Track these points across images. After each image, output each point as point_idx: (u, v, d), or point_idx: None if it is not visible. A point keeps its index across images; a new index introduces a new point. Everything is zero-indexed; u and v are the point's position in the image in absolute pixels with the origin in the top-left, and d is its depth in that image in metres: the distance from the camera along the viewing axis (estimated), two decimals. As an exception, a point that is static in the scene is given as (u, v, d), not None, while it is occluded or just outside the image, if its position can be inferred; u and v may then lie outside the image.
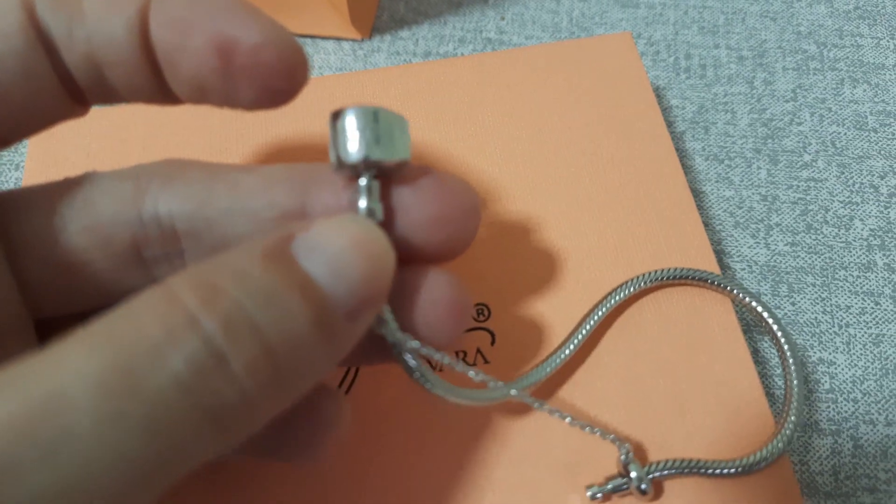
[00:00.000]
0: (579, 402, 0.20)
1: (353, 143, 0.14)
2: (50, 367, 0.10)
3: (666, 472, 0.18)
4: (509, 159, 0.24)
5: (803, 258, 0.26)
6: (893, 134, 0.29)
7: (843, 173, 0.28)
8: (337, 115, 0.14)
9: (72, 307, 0.17)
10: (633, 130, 0.24)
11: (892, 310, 0.25)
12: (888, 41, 0.31)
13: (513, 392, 0.17)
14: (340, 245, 0.13)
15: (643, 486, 0.18)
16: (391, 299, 0.15)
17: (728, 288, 0.21)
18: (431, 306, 0.16)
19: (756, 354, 0.24)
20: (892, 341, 0.24)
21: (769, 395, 0.23)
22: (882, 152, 0.28)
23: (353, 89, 0.26)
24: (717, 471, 0.18)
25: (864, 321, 0.25)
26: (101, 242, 0.16)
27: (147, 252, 0.16)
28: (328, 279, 0.13)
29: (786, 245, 0.26)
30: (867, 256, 0.26)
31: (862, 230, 0.26)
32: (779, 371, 0.24)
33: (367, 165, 0.14)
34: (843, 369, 0.24)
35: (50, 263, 0.16)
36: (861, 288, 0.25)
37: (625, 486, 0.18)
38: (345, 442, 0.17)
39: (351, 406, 0.17)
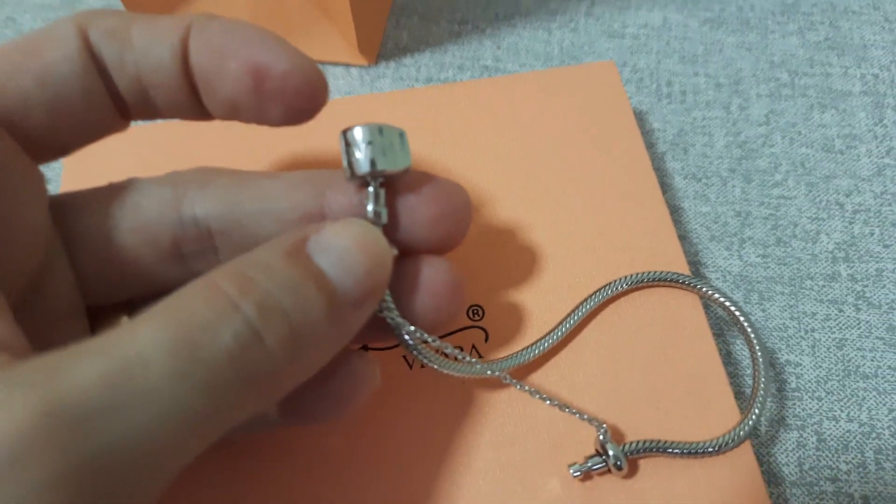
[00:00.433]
0: (561, 389, 0.22)
1: (362, 157, 0.17)
2: (130, 338, 0.12)
3: (640, 451, 0.20)
4: (502, 174, 0.26)
5: (773, 269, 0.28)
6: (858, 156, 0.31)
7: (811, 192, 0.30)
8: (347, 132, 0.17)
9: (118, 296, 0.19)
10: (615, 150, 0.27)
11: (854, 317, 0.27)
12: (855, 70, 0.34)
13: (489, 372, 0.20)
14: (346, 245, 0.16)
15: (619, 464, 0.20)
16: (398, 284, 0.18)
17: (700, 287, 0.23)
18: (432, 287, 0.18)
19: (729, 356, 0.26)
20: (854, 345, 0.26)
21: (739, 393, 0.25)
22: (847, 172, 0.30)
23: (361, 111, 0.28)
24: (687, 451, 0.20)
25: (829, 327, 0.27)
26: (146, 241, 0.18)
27: (185, 248, 0.19)
28: (337, 274, 0.15)
29: (757, 257, 0.28)
30: (832, 268, 0.28)
31: (827, 244, 0.29)
32: (749, 371, 0.26)
33: (374, 175, 0.17)
34: (808, 370, 0.26)
35: (102, 258, 0.18)
36: (826, 296, 0.27)
37: (603, 464, 0.20)
38: (363, 408, 0.19)
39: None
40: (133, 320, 0.13)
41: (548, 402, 0.20)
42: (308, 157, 0.27)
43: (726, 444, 0.21)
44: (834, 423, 0.25)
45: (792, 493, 0.23)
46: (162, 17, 0.18)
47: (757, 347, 0.22)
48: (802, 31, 0.35)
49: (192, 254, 0.19)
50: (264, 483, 0.20)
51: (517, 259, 0.24)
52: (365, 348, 0.22)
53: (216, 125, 0.23)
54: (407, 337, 0.18)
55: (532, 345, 0.22)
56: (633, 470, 0.21)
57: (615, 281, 0.23)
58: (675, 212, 0.30)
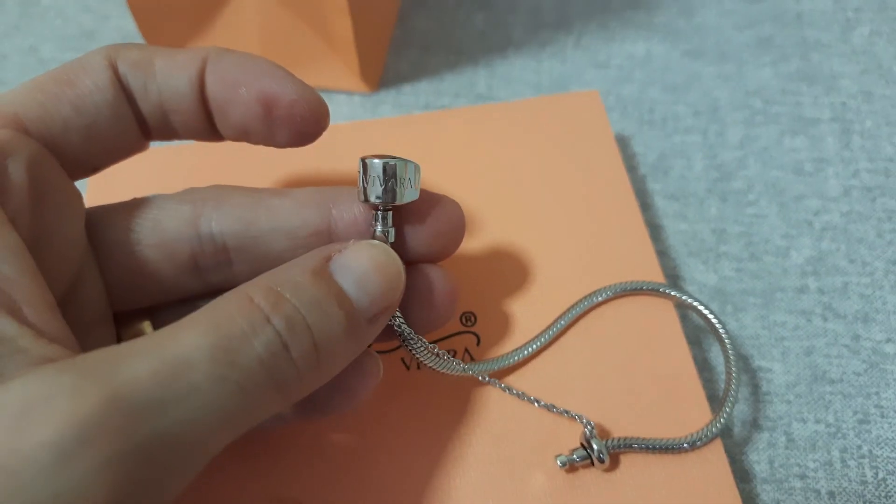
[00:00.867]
0: (546, 390, 0.23)
1: (375, 188, 0.19)
2: (175, 342, 0.14)
3: (621, 446, 0.22)
4: (494, 193, 0.28)
5: (747, 282, 0.30)
6: (826, 178, 0.33)
7: (783, 211, 0.32)
8: (366, 161, 0.19)
9: (141, 303, 0.21)
10: (597, 172, 0.29)
11: (821, 326, 0.29)
12: (824, 98, 0.36)
13: (471, 372, 0.22)
14: (365, 267, 0.18)
15: (602, 457, 0.21)
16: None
17: (678, 295, 0.25)
18: (430, 293, 0.20)
19: (705, 362, 0.28)
20: (821, 352, 0.28)
21: (713, 397, 0.27)
22: (816, 194, 0.33)
23: (362, 135, 0.30)
24: (663, 447, 0.22)
25: (798, 335, 0.29)
26: (167, 255, 0.20)
27: (202, 262, 0.20)
28: (356, 292, 0.17)
29: (732, 271, 0.30)
30: (801, 281, 0.30)
31: (797, 259, 0.31)
32: (723, 377, 0.27)
33: (384, 203, 0.19)
34: (778, 375, 0.28)
35: (127, 269, 0.20)
36: (795, 307, 0.29)
37: (587, 457, 0.22)
38: (362, 406, 0.21)
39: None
40: (177, 325, 0.15)
41: (535, 403, 0.22)
42: (312, 176, 0.29)
43: (699, 440, 0.22)
44: (802, 424, 0.27)
45: (763, 489, 0.25)
46: (181, 50, 0.20)
47: (728, 345, 0.24)
48: (775, 63, 0.38)
49: (208, 267, 0.20)
50: (273, 474, 0.22)
51: (507, 271, 0.26)
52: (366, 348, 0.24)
53: (227, 146, 0.25)
54: (411, 341, 0.20)
55: (519, 348, 0.24)
56: (613, 464, 0.22)
57: (598, 290, 0.25)
58: (656, 229, 0.32)
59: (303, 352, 0.16)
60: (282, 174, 0.29)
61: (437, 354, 0.21)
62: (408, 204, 0.20)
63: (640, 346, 0.25)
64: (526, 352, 0.24)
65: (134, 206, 0.20)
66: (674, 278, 0.30)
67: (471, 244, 0.27)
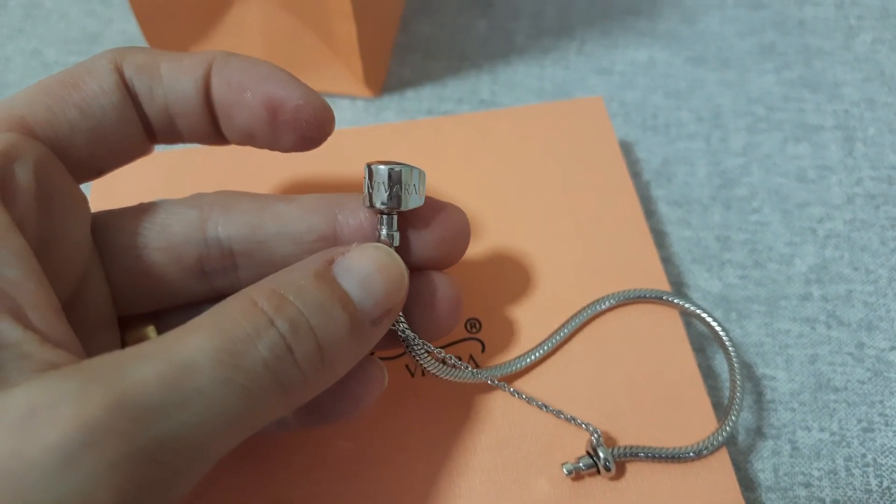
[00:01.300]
0: (551, 396, 0.23)
1: (381, 193, 0.19)
2: (181, 345, 0.14)
3: (627, 455, 0.22)
4: (497, 199, 0.28)
5: (751, 289, 0.30)
6: (829, 185, 0.33)
7: (786, 218, 0.32)
8: (372, 167, 0.19)
9: (146, 307, 0.21)
10: (602, 178, 0.29)
11: (825, 334, 0.29)
12: (827, 106, 0.36)
13: (488, 381, 0.22)
14: (368, 269, 0.18)
15: (608, 465, 0.21)
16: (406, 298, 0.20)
17: (682, 303, 0.25)
18: (435, 300, 0.20)
19: (709, 370, 0.28)
20: (825, 360, 0.28)
21: (718, 405, 0.27)
22: (819, 201, 0.33)
23: (366, 140, 0.30)
24: (668, 456, 0.22)
25: (802, 343, 0.29)
26: (173, 259, 0.20)
27: (208, 267, 0.20)
28: (359, 295, 0.17)
29: (736, 278, 0.30)
30: (805, 289, 0.30)
31: (801, 266, 0.31)
32: (728, 384, 0.27)
33: (390, 209, 0.19)
34: (783, 383, 0.28)
35: (133, 273, 0.20)
36: (799, 315, 0.29)
37: (593, 465, 0.22)
38: (367, 413, 0.21)
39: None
40: (182, 329, 0.15)
41: (544, 408, 0.22)
42: (316, 180, 0.29)
43: (705, 448, 0.22)
44: (807, 432, 0.26)
45: (768, 498, 0.25)
46: (187, 54, 0.20)
47: (733, 355, 0.24)
48: (778, 70, 0.38)
49: (214, 271, 0.20)
50: (276, 479, 0.22)
51: (512, 277, 0.26)
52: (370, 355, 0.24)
53: (232, 150, 0.25)
54: (415, 346, 0.20)
55: (523, 355, 0.24)
56: (619, 472, 0.22)
57: (603, 297, 0.25)
58: (660, 236, 0.32)
59: (307, 354, 0.16)
60: (286, 178, 0.29)
61: (444, 360, 0.21)
62: (413, 210, 0.20)
63: (645, 353, 0.24)
64: (530, 358, 0.23)
65: (141, 211, 0.20)
66: (678, 285, 0.30)
67: (475, 250, 0.27)
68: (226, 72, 0.20)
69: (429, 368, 0.21)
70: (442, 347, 0.24)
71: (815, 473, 0.26)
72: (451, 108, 0.36)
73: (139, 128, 0.20)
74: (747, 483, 0.25)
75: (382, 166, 0.18)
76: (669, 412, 0.23)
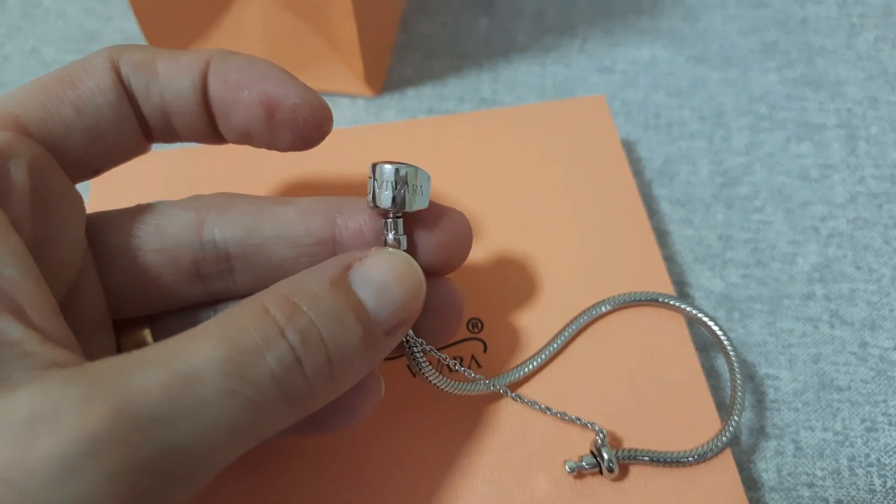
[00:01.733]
0: (554, 399, 0.23)
1: (387, 193, 0.18)
2: (186, 353, 0.14)
3: (631, 457, 0.22)
4: (499, 199, 0.28)
5: (754, 288, 0.30)
6: (832, 184, 0.33)
7: (789, 217, 0.32)
8: (377, 166, 0.19)
9: (140, 311, 0.21)
10: (604, 178, 0.29)
11: (828, 333, 0.29)
12: (829, 104, 0.36)
13: (498, 388, 0.21)
14: (386, 278, 0.17)
15: (612, 466, 0.21)
16: None
17: (681, 306, 0.25)
18: (438, 307, 0.20)
19: (712, 370, 0.28)
20: (829, 360, 0.28)
21: (720, 405, 0.27)
22: (822, 200, 0.33)
23: (366, 139, 0.30)
24: (669, 460, 0.22)
25: (805, 342, 0.28)
26: (168, 261, 0.20)
27: (204, 270, 0.20)
28: (375, 304, 0.17)
29: (739, 277, 0.30)
30: (808, 288, 0.30)
31: (804, 265, 0.30)
32: (730, 383, 0.27)
33: (395, 210, 0.19)
34: (786, 383, 0.27)
35: (128, 275, 0.19)
36: (802, 314, 0.29)
37: (596, 465, 0.21)
38: (370, 415, 0.21)
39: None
40: (189, 335, 0.14)
41: (547, 411, 0.22)
42: (315, 180, 0.29)
43: (706, 453, 0.22)
44: (810, 432, 0.26)
45: (771, 498, 0.25)
46: (184, 52, 0.20)
47: (734, 358, 0.24)
48: (780, 68, 0.37)
49: (210, 274, 0.20)
50: (277, 481, 0.22)
51: (514, 276, 0.26)
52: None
53: (230, 149, 0.25)
54: (419, 357, 0.20)
55: (529, 359, 0.23)
56: (622, 473, 0.22)
57: (606, 299, 0.25)
58: (662, 235, 0.31)
59: (316, 366, 0.15)
60: (285, 178, 0.29)
61: (448, 366, 0.21)
62: (416, 213, 0.19)
63: (648, 354, 0.24)
64: (534, 364, 0.23)
65: (137, 212, 0.20)
66: (680, 284, 0.30)
67: (477, 250, 0.27)
68: (223, 70, 0.19)
69: (434, 382, 0.20)
70: (443, 348, 0.24)
71: (819, 473, 0.25)
72: (451, 107, 0.36)
73: (136, 126, 0.20)
74: (751, 483, 0.25)
75: (389, 166, 0.18)
76: (673, 414, 0.23)
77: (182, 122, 0.20)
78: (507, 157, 0.29)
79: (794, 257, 0.31)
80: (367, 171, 0.19)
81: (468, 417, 0.23)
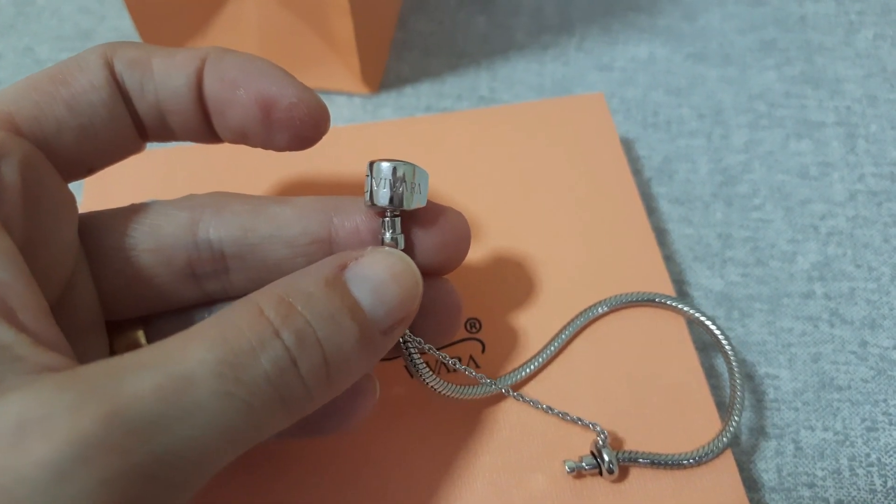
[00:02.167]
0: (554, 399, 0.23)
1: (384, 191, 0.18)
2: (180, 355, 0.14)
3: (631, 459, 0.22)
4: (497, 198, 0.28)
5: (753, 287, 0.30)
6: (832, 182, 0.33)
7: (788, 215, 0.32)
8: (374, 164, 0.18)
9: (134, 312, 0.20)
10: (603, 176, 0.28)
11: (828, 332, 0.28)
12: (828, 102, 0.36)
13: (496, 386, 0.21)
14: (382, 277, 0.17)
15: (612, 468, 0.21)
16: None
17: (680, 307, 0.25)
18: (436, 308, 0.20)
19: (711, 370, 0.28)
20: (829, 359, 0.28)
21: (720, 404, 0.26)
22: (822, 198, 0.32)
23: (363, 138, 0.30)
24: (667, 463, 0.22)
25: (805, 342, 0.28)
26: (163, 261, 0.19)
27: (199, 270, 0.20)
28: (371, 304, 0.17)
29: (738, 276, 0.30)
30: (808, 287, 0.30)
31: (804, 264, 0.30)
32: (729, 385, 0.27)
33: (393, 208, 0.18)
34: (786, 382, 0.27)
35: (122, 275, 0.19)
36: (802, 313, 0.29)
37: (595, 466, 0.21)
38: (367, 418, 0.21)
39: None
40: (182, 336, 0.14)
41: (549, 411, 0.22)
42: (312, 179, 0.29)
43: (706, 455, 0.22)
44: (810, 432, 0.26)
45: (771, 498, 0.25)
46: (179, 49, 0.19)
47: (733, 359, 0.24)
48: (779, 66, 0.37)
49: (205, 275, 0.20)
50: (276, 483, 0.22)
51: (512, 276, 0.26)
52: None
53: (226, 148, 0.25)
54: (416, 358, 0.20)
55: (528, 361, 0.23)
56: (622, 474, 0.22)
57: (604, 300, 0.25)
58: (661, 234, 0.31)
59: (312, 367, 0.15)
60: (281, 177, 0.29)
61: (448, 367, 0.21)
62: (413, 212, 0.19)
63: (648, 354, 0.24)
64: (534, 365, 0.23)
65: (131, 212, 0.20)
66: (679, 283, 0.30)
67: (475, 249, 0.26)
68: (219, 68, 0.19)
69: (432, 385, 0.20)
70: (441, 349, 0.24)
71: (819, 473, 0.25)
72: (449, 106, 0.36)
73: (130, 125, 0.19)
74: (751, 483, 0.25)
75: (386, 163, 0.18)
76: (673, 414, 0.23)
77: (177, 120, 0.20)
78: (505, 155, 0.29)
79: (794, 256, 0.31)
80: (365, 169, 0.19)
81: (467, 418, 0.23)
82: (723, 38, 0.39)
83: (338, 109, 0.36)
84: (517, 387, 0.23)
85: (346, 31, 0.32)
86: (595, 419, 0.23)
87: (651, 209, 0.32)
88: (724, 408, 0.26)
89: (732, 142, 0.34)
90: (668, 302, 0.25)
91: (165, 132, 0.20)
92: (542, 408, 0.22)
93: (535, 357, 0.23)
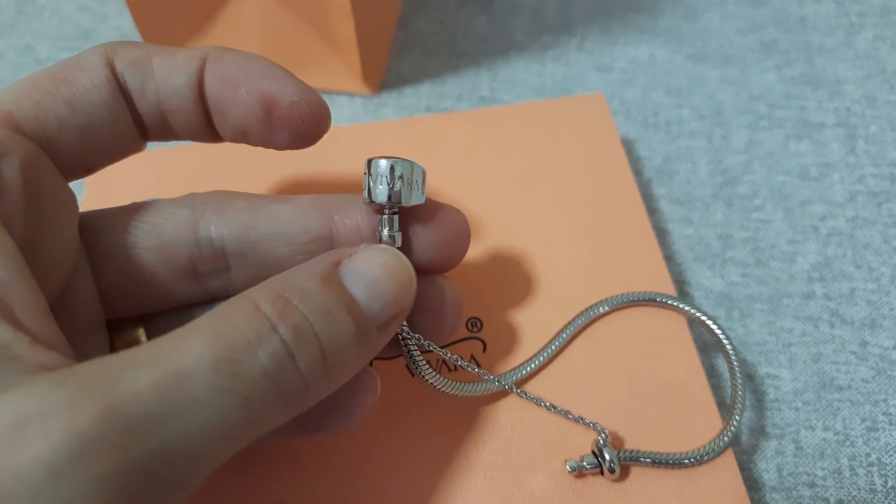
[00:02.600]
0: (555, 398, 0.23)
1: (381, 188, 0.18)
2: (177, 351, 0.14)
3: (632, 459, 0.22)
4: (498, 197, 0.28)
5: (753, 288, 0.30)
6: (832, 183, 0.33)
7: (788, 216, 0.32)
8: (372, 162, 0.18)
9: (135, 310, 0.20)
10: (604, 176, 0.28)
11: (828, 332, 0.28)
12: (828, 103, 0.36)
13: (498, 383, 0.21)
14: (376, 273, 0.17)
15: (613, 467, 0.21)
16: None
17: (681, 306, 0.25)
18: (436, 305, 0.19)
19: (712, 370, 0.28)
20: (829, 359, 0.28)
21: (721, 404, 0.26)
22: (822, 199, 0.32)
23: (364, 137, 0.30)
24: (675, 461, 0.22)
25: (805, 342, 0.28)
26: (164, 259, 0.19)
27: (200, 267, 0.20)
28: (366, 299, 0.17)
29: (738, 276, 0.30)
30: (808, 287, 0.30)
31: (804, 265, 0.30)
32: (730, 382, 0.27)
33: (391, 205, 0.18)
34: (786, 382, 0.27)
35: (123, 273, 0.19)
36: (802, 313, 0.29)
37: (596, 465, 0.21)
38: (368, 416, 0.21)
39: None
40: (179, 333, 0.14)
41: (552, 409, 0.22)
42: (313, 178, 0.29)
43: (707, 454, 0.22)
44: (810, 431, 0.26)
45: (772, 498, 0.25)
46: (180, 49, 0.19)
47: (734, 359, 0.24)
48: (779, 67, 0.37)
49: (206, 272, 0.20)
50: (275, 482, 0.22)
51: (513, 276, 0.26)
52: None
53: (227, 148, 0.25)
54: (416, 355, 0.20)
55: (529, 360, 0.23)
56: (623, 473, 0.22)
57: (605, 299, 0.25)
58: (661, 234, 0.31)
59: (310, 361, 0.15)
60: (283, 176, 0.29)
61: (448, 365, 0.21)
62: (412, 210, 0.19)
63: (649, 354, 0.24)
64: (534, 364, 0.23)
65: (132, 210, 0.20)
66: (680, 284, 0.30)
67: (476, 249, 0.26)
68: (219, 67, 0.19)
69: (432, 382, 0.20)
70: (442, 348, 0.24)
71: (820, 473, 0.25)
72: (450, 106, 0.36)
73: (131, 124, 0.19)
74: (751, 483, 0.25)
75: (384, 160, 0.18)
76: (674, 414, 0.23)
77: (178, 119, 0.20)
78: (506, 155, 0.29)
79: (794, 256, 0.31)
80: (364, 168, 0.19)
81: (467, 417, 0.23)
82: (723, 39, 0.39)
83: (339, 109, 0.36)
84: (518, 385, 0.23)
85: (347, 31, 0.32)
86: (596, 418, 0.23)
87: (651, 210, 0.32)
88: (725, 407, 0.26)
89: (733, 142, 0.34)
90: (670, 301, 0.25)
91: (166, 131, 0.20)
92: (545, 405, 0.22)
93: (536, 355, 0.23)
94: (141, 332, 0.21)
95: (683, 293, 0.30)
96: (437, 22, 0.39)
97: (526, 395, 0.22)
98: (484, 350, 0.24)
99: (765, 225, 0.32)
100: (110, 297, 0.19)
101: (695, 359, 0.24)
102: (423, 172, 0.19)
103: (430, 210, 0.20)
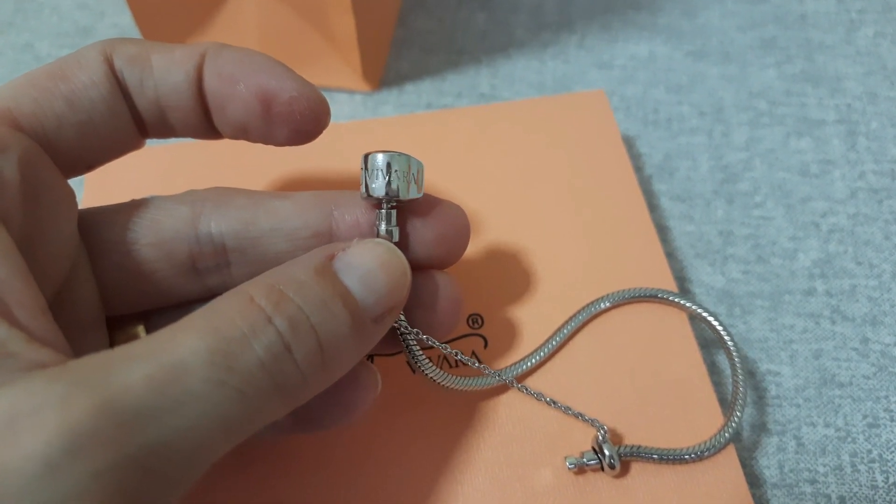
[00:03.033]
0: (556, 394, 0.23)
1: (378, 182, 0.18)
2: (172, 345, 0.13)
3: (632, 454, 0.22)
4: (499, 194, 0.28)
5: (754, 284, 0.30)
6: (832, 180, 0.33)
7: (789, 213, 0.32)
8: (369, 156, 0.18)
9: (135, 307, 0.20)
10: (605, 173, 0.28)
11: (829, 329, 0.28)
12: (829, 100, 0.36)
13: (499, 377, 0.21)
14: (370, 265, 0.17)
15: (613, 463, 0.21)
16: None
17: (682, 302, 0.25)
18: (435, 301, 0.19)
19: (713, 366, 0.28)
20: (830, 355, 0.28)
21: (722, 400, 0.26)
22: (822, 195, 0.32)
23: (364, 134, 0.30)
24: (668, 457, 0.22)
25: (806, 338, 0.28)
26: (164, 255, 0.19)
27: (200, 264, 0.20)
28: (361, 291, 0.17)
29: (739, 273, 0.30)
30: (809, 284, 0.30)
31: (805, 261, 0.30)
32: (731, 379, 0.27)
33: (388, 199, 0.18)
34: (787, 379, 0.27)
35: (123, 270, 0.19)
36: (803, 310, 0.29)
37: (597, 461, 0.21)
38: (369, 412, 0.21)
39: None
40: (173, 328, 0.14)
41: (553, 405, 0.22)
42: (313, 175, 0.29)
43: (708, 450, 0.22)
44: (812, 428, 0.26)
45: (773, 494, 0.25)
46: (179, 45, 0.19)
47: (735, 356, 0.24)
48: (780, 64, 0.37)
49: (206, 269, 0.20)
50: (275, 480, 0.22)
51: (514, 272, 0.26)
52: (369, 357, 0.24)
53: (226, 144, 0.24)
54: (416, 350, 0.20)
55: (529, 355, 0.23)
56: (624, 469, 0.22)
57: (606, 295, 0.25)
58: (662, 231, 0.31)
59: (307, 353, 0.15)
60: (282, 173, 0.29)
61: (449, 360, 0.20)
62: (411, 205, 0.19)
63: (650, 350, 0.24)
64: (535, 359, 0.23)
65: (132, 207, 0.20)
66: (681, 280, 0.30)
67: (477, 245, 0.26)
68: (218, 63, 0.19)
69: (432, 376, 0.20)
70: (443, 344, 0.24)
71: (821, 469, 0.25)
72: (449, 103, 0.36)
73: (129, 121, 0.19)
74: (753, 479, 0.25)
75: (381, 155, 0.18)
76: (676, 410, 0.23)
77: (177, 116, 0.20)
78: (507, 151, 0.29)
79: (795, 253, 0.31)
80: (361, 163, 0.19)
81: (468, 414, 0.23)
82: (723, 36, 0.39)
83: (338, 107, 0.36)
84: (519, 380, 0.23)
85: (347, 28, 0.32)
86: (597, 414, 0.23)
87: (652, 206, 0.32)
88: (726, 404, 0.26)
89: (733, 139, 0.34)
90: (671, 298, 0.25)
91: (165, 128, 0.20)
92: (546, 401, 0.22)
93: (536, 351, 0.23)
94: (141, 329, 0.21)
95: (684, 290, 0.30)
96: (436, 19, 0.39)
97: (527, 390, 0.22)
98: (485, 346, 0.24)
99: (766, 222, 0.32)
100: (110, 294, 0.19)
101: (696, 355, 0.24)
102: (420, 166, 0.19)
103: (429, 205, 0.20)
